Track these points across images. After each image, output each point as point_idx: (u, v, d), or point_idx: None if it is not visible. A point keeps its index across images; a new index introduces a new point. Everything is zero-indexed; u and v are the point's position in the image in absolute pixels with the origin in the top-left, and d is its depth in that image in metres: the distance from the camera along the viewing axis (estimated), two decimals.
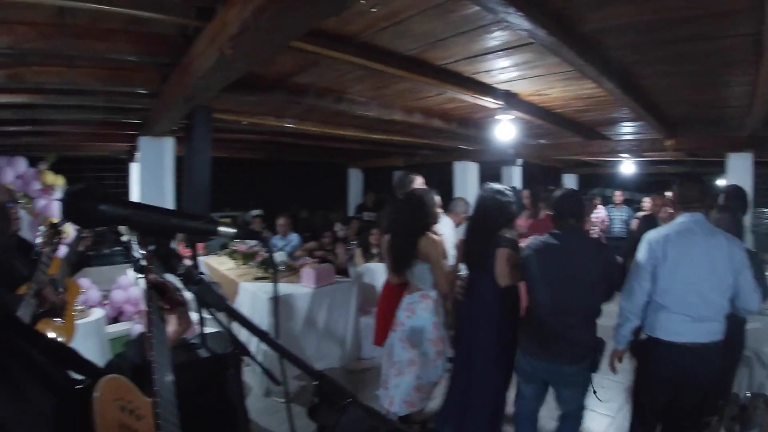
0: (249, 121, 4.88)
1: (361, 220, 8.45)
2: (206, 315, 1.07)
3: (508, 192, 3.41)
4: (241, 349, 1.04)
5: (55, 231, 2.78)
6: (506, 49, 2.86)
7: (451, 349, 3.56)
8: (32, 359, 0.79)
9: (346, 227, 8.15)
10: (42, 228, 2.82)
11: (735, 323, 2.91)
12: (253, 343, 4.97)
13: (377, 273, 5.50)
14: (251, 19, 1.62)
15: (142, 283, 1.06)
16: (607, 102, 4.14)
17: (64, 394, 0.78)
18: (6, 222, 2.91)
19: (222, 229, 0.93)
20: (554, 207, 3.02)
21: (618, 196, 8.95)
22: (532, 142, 5.95)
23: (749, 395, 2.93)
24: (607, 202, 9.29)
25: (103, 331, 4.60)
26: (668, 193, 3.47)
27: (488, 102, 3.77)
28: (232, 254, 6.77)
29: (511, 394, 3.35)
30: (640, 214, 7.27)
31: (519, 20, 2.19)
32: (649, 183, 9.46)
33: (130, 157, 6.97)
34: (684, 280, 2.68)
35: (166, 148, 4.75)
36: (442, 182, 3.81)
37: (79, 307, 4.56)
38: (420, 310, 3.41)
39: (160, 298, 1.09)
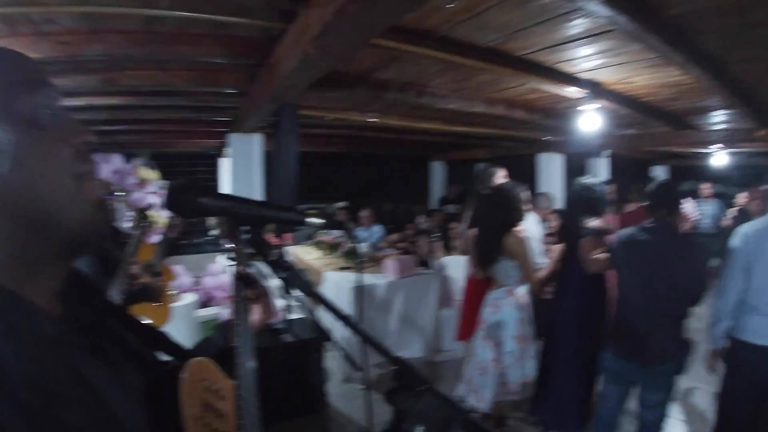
0: (333, 116, 5.02)
1: (443, 212, 8.43)
2: (292, 302, 1.15)
3: (597, 187, 3.37)
4: (324, 335, 1.10)
5: (143, 216, 3.01)
6: (587, 37, 2.77)
7: (537, 345, 3.51)
8: (125, 340, 0.84)
9: (428, 219, 8.16)
10: (131, 213, 3.07)
11: None
12: (335, 331, 5.15)
13: (458, 266, 5.50)
14: (332, 20, 1.68)
15: (231, 271, 1.15)
16: (695, 90, 3.89)
17: (154, 374, 0.83)
18: (105, 214, 3.20)
19: (310, 219, 0.97)
20: (648, 197, 2.90)
21: (706, 188, 8.29)
22: (619, 132, 5.67)
23: None
24: (695, 195, 8.66)
25: (193, 315, 4.97)
26: (765, 187, 3.20)
27: (572, 92, 3.66)
28: (318, 245, 6.99)
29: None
30: (734, 209, 6.76)
31: (598, 7, 2.12)
32: (744, 176, 8.77)
33: (220, 153, 7.38)
34: None
35: (255, 143, 4.99)
36: (527, 174, 3.73)
37: (172, 292, 4.96)
38: (504, 306, 3.37)
39: (246, 288, 1.18)
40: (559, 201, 6.47)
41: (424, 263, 6.82)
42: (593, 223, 3.28)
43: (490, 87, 3.93)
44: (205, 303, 5.91)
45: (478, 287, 3.93)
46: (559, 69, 3.39)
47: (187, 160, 8.63)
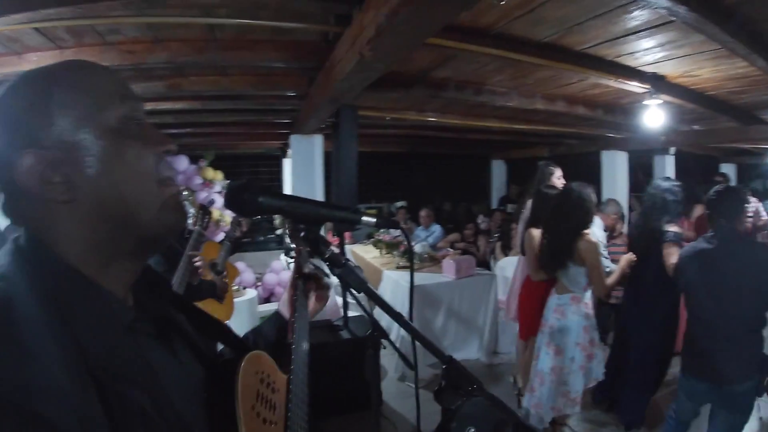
0: (392, 116, 5.06)
1: (504, 212, 8.31)
2: (350, 300, 1.18)
3: (675, 189, 3.29)
4: (380, 333, 1.12)
5: (204, 212, 3.14)
6: (648, 28, 2.64)
7: (603, 351, 3.41)
8: (189, 333, 0.90)
9: (488, 219, 8.08)
10: (192, 210, 3.21)
11: None
12: (393, 329, 5.19)
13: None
14: (386, 21, 1.70)
15: (292, 267, 1.20)
16: (762, 82, 3.63)
17: (213, 365, 0.88)
18: (182, 216, 3.36)
19: (365, 218, 0.98)
20: (707, 206, 2.78)
21: None
22: (684, 128, 5.37)
23: None
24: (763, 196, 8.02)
25: (255, 310, 5.16)
26: None
27: (634, 86, 3.50)
28: (377, 243, 7.05)
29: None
30: None
31: None
32: None
33: (283, 154, 7.59)
34: None
35: (316, 144, 5.10)
36: (590, 173, 3.62)
37: (234, 288, 5.17)
38: (570, 313, 3.28)
39: (305, 285, 1.22)
40: (623, 200, 6.24)
41: (483, 264, 6.76)
42: (673, 227, 3.18)
43: (549, 83, 3.84)
44: (266, 299, 6.11)
45: (536, 288, 3.86)
46: (620, 63, 3.25)
47: (251, 161, 8.92)
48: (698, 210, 3.24)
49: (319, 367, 3.79)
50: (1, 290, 0.62)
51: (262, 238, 8.86)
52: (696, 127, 5.55)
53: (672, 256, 3.03)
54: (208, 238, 4.38)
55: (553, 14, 2.48)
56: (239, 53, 2.86)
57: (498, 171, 10.32)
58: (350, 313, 4.23)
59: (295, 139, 5.18)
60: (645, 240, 3.32)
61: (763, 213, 5.98)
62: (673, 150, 6.95)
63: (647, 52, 3.07)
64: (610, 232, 4.83)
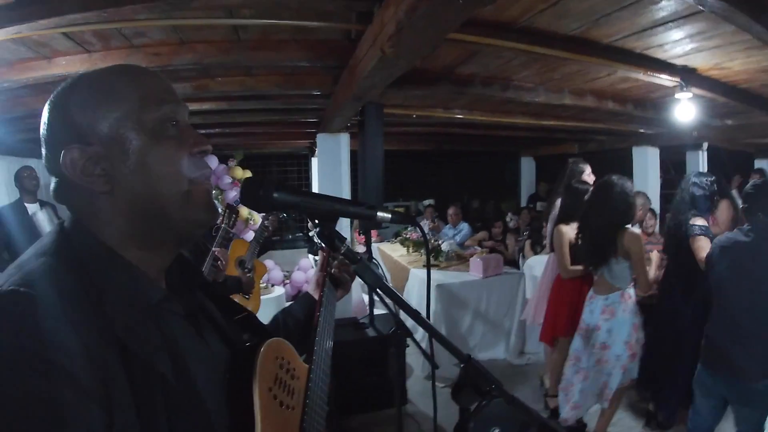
0: (418, 114, 5.03)
1: (533, 209, 8.21)
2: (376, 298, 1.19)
3: (704, 183, 3.22)
4: (404, 331, 1.12)
5: (231, 211, 3.19)
6: (676, 19, 2.54)
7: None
8: (217, 317, 0.97)
9: (517, 217, 7.99)
10: (220, 209, 3.26)
11: None
12: (419, 328, 5.18)
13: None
14: (405, 18, 1.68)
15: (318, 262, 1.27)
16: None
17: (236, 348, 0.93)
18: (212, 214, 3.43)
19: (380, 214, 0.99)
20: (744, 200, 2.73)
21: None
22: (716, 123, 5.19)
23: None
24: None
25: (282, 307, 5.20)
26: None
27: (664, 79, 3.39)
28: (404, 242, 7.05)
29: None
30: None
31: None
32: None
33: (311, 153, 7.64)
34: None
35: (342, 143, 5.11)
36: (621, 170, 3.53)
37: (263, 285, 5.24)
38: (621, 311, 3.18)
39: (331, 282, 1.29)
40: (655, 197, 6.08)
41: (511, 262, 6.69)
42: (700, 221, 3.09)
43: (577, 78, 3.75)
44: (294, 296, 6.16)
45: (567, 287, 3.80)
46: (649, 55, 3.15)
47: (280, 161, 9.02)
48: (723, 206, 3.12)
49: (344, 365, 3.85)
50: (42, 263, 0.71)
51: (290, 237, 8.95)
52: (729, 121, 5.34)
53: (702, 249, 2.96)
54: (237, 235, 4.47)
55: (578, 6, 2.42)
56: (264, 53, 2.88)
57: (527, 168, 10.15)
58: (376, 311, 4.23)
59: (321, 138, 5.20)
60: (674, 236, 3.24)
61: None
62: (705, 146, 6.73)
63: (676, 44, 2.98)
64: (639, 224, 4.74)
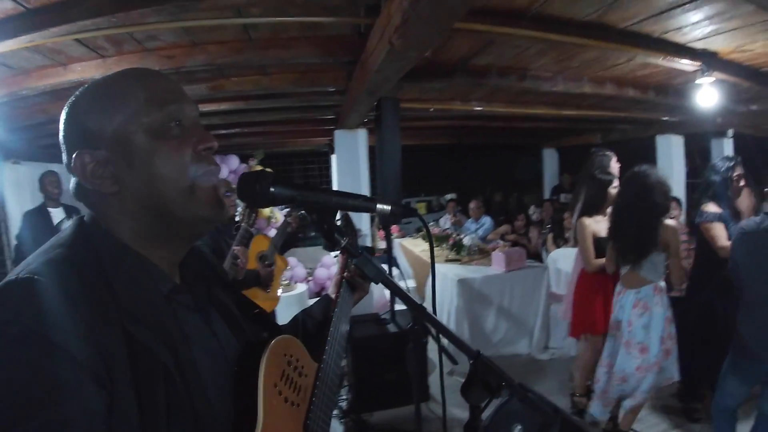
0: (436, 107, 4.98)
1: (556, 202, 8.08)
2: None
3: (719, 167, 3.18)
4: (421, 326, 1.09)
5: (251, 210, 3.21)
6: (693, 0, 2.46)
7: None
8: (230, 311, 0.99)
9: (540, 210, 7.87)
10: (240, 208, 3.29)
11: None
12: (443, 321, 5.15)
13: (571, 259, 5.25)
14: (410, 7, 1.65)
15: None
16: None
17: (247, 342, 0.95)
18: (221, 210, 3.47)
19: (379, 206, 0.97)
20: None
21: None
22: (741, 108, 4.99)
23: None
24: None
25: (305, 304, 5.19)
26: None
27: (685, 64, 3.26)
28: (426, 236, 7.00)
29: None
30: None
31: None
32: None
33: (331, 150, 7.64)
34: None
35: (360, 139, 5.10)
36: (646, 159, 3.42)
37: (285, 282, 5.28)
38: (654, 305, 3.09)
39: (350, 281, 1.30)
40: (680, 187, 5.92)
41: (535, 256, 6.60)
42: (712, 207, 2.99)
43: (595, 65, 3.64)
44: (317, 293, 6.19)
45: (592, 282, 3.71)
46: (667, 39, 3.02)
47: (300, 158, 9.06)
48: (745, 193, 3.02)
49: (366, 361, 3.83)
50: (57, 253, 0.75)
51: (313, 234, 8.98)
52: (754, 106, 5.15)
53: (718, 238, 2.88)
54: (259, 231, 4.51)
55: None
56: (275, 52, 2.88)
57: (549, 160, 9.96)
58: (398, 307, 4.20)
59: (339, 135, 5.20)
60: (695, 225, 3.18)
61: None
62: (730, 132, 6.51)
63: (695, 26, 2.86)
64: None
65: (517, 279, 5.07)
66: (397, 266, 7.02)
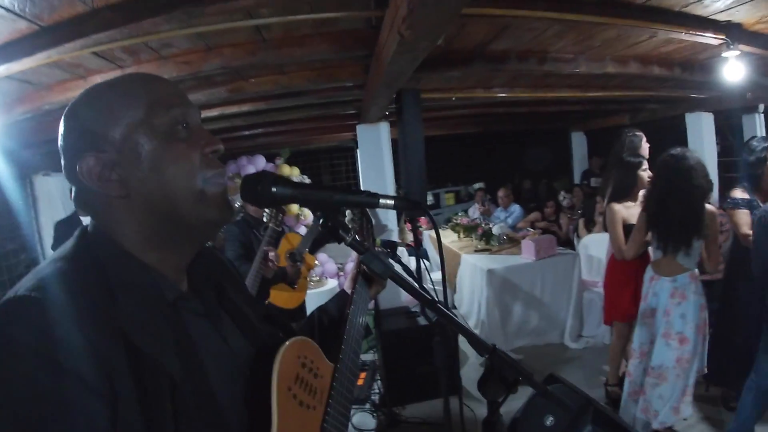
0: (458, 96, 4.92)
1: (587, 186, 7.91)
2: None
3: (753, 146, 3.06)
4: (446, 319, 1.08)
5: (279, 210, 3.24)
6: None
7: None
8: (243, 315, 0.98)
9: (570, 195, 7.72)
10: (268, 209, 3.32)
11: None
12: (472, 314, 5.10)
13: (604, 245, 5.12)
14: None
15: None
16: None
17: (260, 347, 0.94)
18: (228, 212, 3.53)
19: (382, 200, 0.97)
20: None
21: None
22: None
23: None
24: None
25: None
26: None
27: (708, 37, 3.11)
28: (455, 227, 6.98)
29: None
30: None
31: None
32: None
33: (356, 145, 7.64)
34: None
35: (382, 132, 5.08)
36: (677, 139, 3.29)
37: (315, 278, 5.32)
38: (691, 293, 2.97)
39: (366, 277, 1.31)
40: (712, 165, 5.70)
41: (566, 242, 6.49)
42: (739, 193, 2.87)
43: (617, 44, 3.50)
44: None
45: (622, 268, 3.61)
46: (688, 13, 2.87)
47: (327, 155, 9.10)
48: None
49: (395, 354, 3.85)
50: (56, 268, 0.74)
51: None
52: None
53: (742, 225, 2.76)
54: (291, 229, 4.56)
55: None
56: (290, 50, 2.87)
57: (578, 144, 9.67)
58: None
59: (361, 129, 5.19)
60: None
61: None
62: (762, 107, 6.22)
63: None
64: None
65: (548, 267, 5.00)
66: (427, 258, 7.00)
